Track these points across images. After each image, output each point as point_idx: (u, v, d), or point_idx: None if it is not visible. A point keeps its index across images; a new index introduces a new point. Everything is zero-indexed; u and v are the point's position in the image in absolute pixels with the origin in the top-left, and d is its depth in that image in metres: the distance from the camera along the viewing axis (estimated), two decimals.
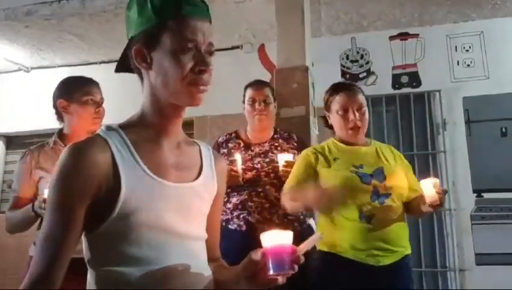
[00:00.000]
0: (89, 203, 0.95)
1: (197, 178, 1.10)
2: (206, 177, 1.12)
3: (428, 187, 1.82)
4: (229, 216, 2.30)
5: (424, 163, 4.09)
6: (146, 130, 1.05)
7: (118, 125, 1.05)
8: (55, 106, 2.08)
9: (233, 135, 2.51)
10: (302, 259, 0.96)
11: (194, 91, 1.00)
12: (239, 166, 2.23)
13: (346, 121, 2.02)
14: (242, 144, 2.43)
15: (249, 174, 2.29)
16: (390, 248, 1.86)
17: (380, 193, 1.89)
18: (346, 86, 2.11)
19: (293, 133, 2.53)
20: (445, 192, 1.83)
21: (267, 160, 2.34)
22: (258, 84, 2.51)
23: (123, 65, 1.09)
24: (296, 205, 1.93)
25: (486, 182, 3.94)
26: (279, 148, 2.40)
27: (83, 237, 1.00)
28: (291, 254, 0.94)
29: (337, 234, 1.90)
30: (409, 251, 1.94)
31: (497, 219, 3.90)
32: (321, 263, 1.94)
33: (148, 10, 0.99)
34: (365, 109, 2.04)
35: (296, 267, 0.94)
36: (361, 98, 2.05)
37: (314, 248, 2.01)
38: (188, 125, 4.56)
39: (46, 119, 4.82)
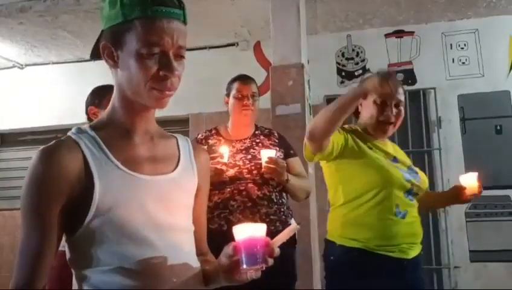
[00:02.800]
0: (64, 205, 0.94)
1: (174, 170, 1.07)
2: (185, 169, 1.09)
3: (472, 181, 1.93)
4: (209, 215, 2.16)
5: (419, 160, 4.09)
6: (116, 127, 1.03)
7: (89, 126, 1.04)
8: (86, 112, 2.15)
9: (213, 131, 2.44)
10: (277, 252, 0.93)
11: (158, 95, 0.97)
12: (225, 160, 2.18)
13: (380, 113, 1.89)
14: (223, 141, 2.35)
15: (231, 172, 2.22)
16: (417, 242, 1.87)
17: (414, 191, 1.88)
18: (389, 75, 1.92)
19: (273, 130, 2.51)
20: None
21: (249, 156, 2.28)
22: (246, 79, 2.45)
23: (98, 52, 1.05)
24: (333, 109, 1.72)
25: (481, 179, 3.95)
26: (260, 144, 2.34)
27: (65, 241, 0.99)
28: (265, 247, 0.91)
29: (368, 229, 1.82)
30: None
31: (491, 216, 3.92)
32: (349, 259, 1.83)
33: (117, 7, 0.95)
34: (403, 105, 1.93)
35: (271, 260, 0.92)
36: (401, 91, 1.93)
37: (332, 242, 1.89)
38: (184, 122, 4.55)
39: (40, 116, 4.84)
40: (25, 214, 0.95)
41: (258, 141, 2.36)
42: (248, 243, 0.91)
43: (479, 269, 3.87)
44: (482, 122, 4.07)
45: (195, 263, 1.07)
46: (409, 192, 1.86)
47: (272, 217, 2.21)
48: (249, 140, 2.36)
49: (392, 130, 1.95)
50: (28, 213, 0.94)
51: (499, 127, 4.04)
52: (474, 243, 3.92)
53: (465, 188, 1.95)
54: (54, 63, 5.02)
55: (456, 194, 1.97)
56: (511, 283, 3.75)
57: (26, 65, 5.11)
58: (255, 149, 2.31)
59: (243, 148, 2.32)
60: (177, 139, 1.15)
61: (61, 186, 0.93)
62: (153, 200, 0.99)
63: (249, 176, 2.23)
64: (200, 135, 2.43)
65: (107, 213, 0.93)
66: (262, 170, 2.17)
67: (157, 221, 0.99)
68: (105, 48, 1.00)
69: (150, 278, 0.95)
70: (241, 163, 2.26)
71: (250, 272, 0.92)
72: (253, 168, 2.24)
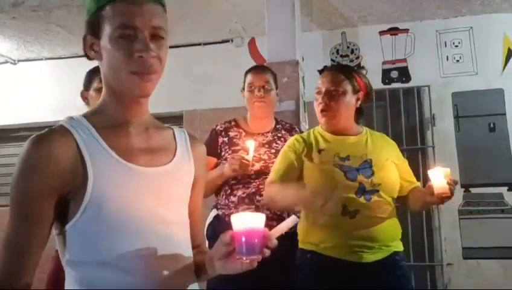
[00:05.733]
0: (58, 197, 0.92)
1: (170, 161, 1.05)
2: (181, 160, 1.08)
3: (438, 177, 1.68)
4: (233, 211, 2.09)
5: (413, 158, 4.09)
6: (109, 118, 1.01)
7: (81, 115, 1.01)
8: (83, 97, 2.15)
9: (232, 123, 2.35)
10: (275, 243, 0.91)
11: (138, 80, 0.95)
12: (251, 154, 2.10)
13: (317, 103, 1.93)
14: (244, 133, 2.28)
15: (257, 166, 2.15)
16: (376, 245, 1.75)
17: (367, 189, 1.77)
18: (327, 68, 2.01)
19: (294, 125, 2.44)
20: (455, 183, 1.71)
21: (273, 151, 2.21)
22: (257, 69, 2.37)
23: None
24: (277, 202, 1.85)
25: (474, 177, 3.97)
26: (282, 139, 2.27)
27: (56, 235, 0.97)
28: (262, 238, 0.89)
29: (318, 230, 1.80)
30: (398, 248, 1.83)
31: (484, 213, 3.94)
32: (303, 263, 1.84)
33: None
34: (340, 92, 1.88)
35: (268, 251, 0.90)
36: (336, 79, 1.90)
37: (297, 246, 1.89)
38: (177, 119, 4.53)
39: (34, 112, 4.80)
40: (13, 204, 0.92)
41: (280, 135, 2.30)
42: (246, 233, 0.89)
43: (471, 266, 3.89)
44: (476, 120, 4.09)
45: (188, 256, 1.05)
46: (362, 190, 1.76)
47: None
48: (270, 134, 2.30)
49: (333, 117, 1.90)
50: (17, 203, 0.92)
51: (492, 125, 4.05)
52: (467, 240, 3.94)
53: (432, 186, 1.70)
54: (47, 58, 4.97)
55: (428, 193, 1.73)
56: (503, 280, 3.78)
57: (19, 61, 5.06)
58: (277, 144, 2.24)
59: (265, 142, 2.26)
60: (173, 131, 1.13)
61: (52, 176, 0.90)
62: (147, 192, 0.97)
63: None
64: (218, 126, 2.35)
65: (100, 203, 0.91)
66: None
67: (151, 213, 0.97)
68: (86, 40, 1.00)
69: (140, 271, 0.94)
70: (266, 157, 2.20)
71: (245, 262, 0.90)
72: None
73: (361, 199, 1.75)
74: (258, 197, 2.13)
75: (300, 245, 1.87)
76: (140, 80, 0.95)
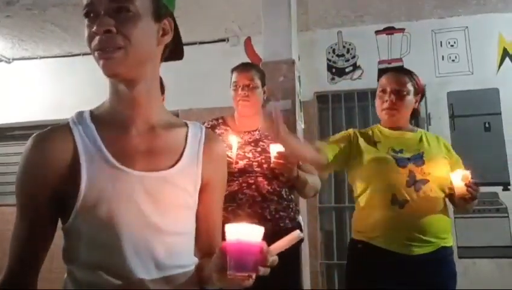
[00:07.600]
0: (55, 196, 0.92)
1: (173, 165, 0.98)
2: (187, 163, 1.00)
3: (457, 179, 1.80)
4: None
5: None
6: (112, 115, 0.98)
7: (90, 112, 1.00)
8: None
9: (219, 120, 2.32)
10: (273, 260, 0.82)
11: (97, 57, 0.91)
12: (234, 151, 2.08)
13: (381, 102, 2.04)
14: (230, 131, 2.24)
15: (241, 164, 2.12)
16: (425, 238, 1.80)
17: (417, 178, 1.84)
18: (390, 69, 2.14)
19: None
20: (475, 184, 1.81)
21: (259, 149, 2.18)
22: (241, 67, 2.34)
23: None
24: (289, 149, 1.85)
25: (470, 178, 3.97)
26: (269, 137, 2.20)
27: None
28: (257, 254, 0.79)
29: (368, 220, 1.89)
30: (448, 243, 1.88)
31: (479, 212, 3.94)
32: (353, 252, 1.95)
33: None
34: (405, 93, 2.01)
35: (263, 269, 0.80)
36: (401, 80, 2.02)
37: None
38: None
39: (28, 111, 4.77)
40: (16, 200, 0.94)
41: (267, 133, 2.22)
42: (238, 247, 0.79)
43: (467, 266, 3.90)
44: (471, 119, 4.10)
45: (187, 268, 1.01)
46: (412, 179, 1.83)
47: (281, 213, 2.14)
48: (257, 132, 2.26)
49: (397, 115, 2.02)
50: (17, 198, 0.94)
51: (487, 125, 4.07)
52: (462, 240, 3.94)
53: (453, 188, 1.85)
54: (41, 57, 4.96)
55: (452, 194, 1.88)
56: (499, 280, 3.80)
57: (14, 59, 5.04)
58: (264, 142, 2.21)
59: (251, 140, 2.23)
60: (188, 129, 1.06)
61: (47, 175, 0.91)
62: (141, 198, 0.93)
63: (258, 169, 2.14)
64: (206, 124, 2.30)
65: (92, 206, 0.90)
66: (272, 165, 2.08)
67: (146, 221, 0.93)
68: None
69: (130, 279, 0.91)
70: (250, 155, 2.17)
71: (237, 278, 0.80)
72: (263, 161, 2.15)
73: (411, 189, 1.82)
74: (240, 196, 2.10)
75: (352, 235, 2.00)
76: (99, 57, 0.90)
